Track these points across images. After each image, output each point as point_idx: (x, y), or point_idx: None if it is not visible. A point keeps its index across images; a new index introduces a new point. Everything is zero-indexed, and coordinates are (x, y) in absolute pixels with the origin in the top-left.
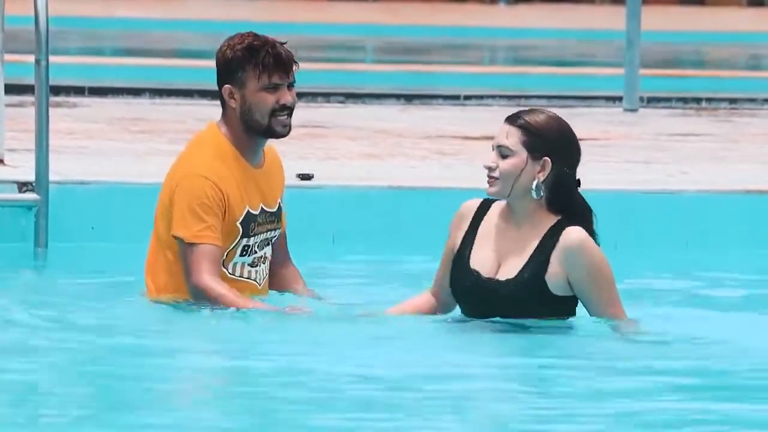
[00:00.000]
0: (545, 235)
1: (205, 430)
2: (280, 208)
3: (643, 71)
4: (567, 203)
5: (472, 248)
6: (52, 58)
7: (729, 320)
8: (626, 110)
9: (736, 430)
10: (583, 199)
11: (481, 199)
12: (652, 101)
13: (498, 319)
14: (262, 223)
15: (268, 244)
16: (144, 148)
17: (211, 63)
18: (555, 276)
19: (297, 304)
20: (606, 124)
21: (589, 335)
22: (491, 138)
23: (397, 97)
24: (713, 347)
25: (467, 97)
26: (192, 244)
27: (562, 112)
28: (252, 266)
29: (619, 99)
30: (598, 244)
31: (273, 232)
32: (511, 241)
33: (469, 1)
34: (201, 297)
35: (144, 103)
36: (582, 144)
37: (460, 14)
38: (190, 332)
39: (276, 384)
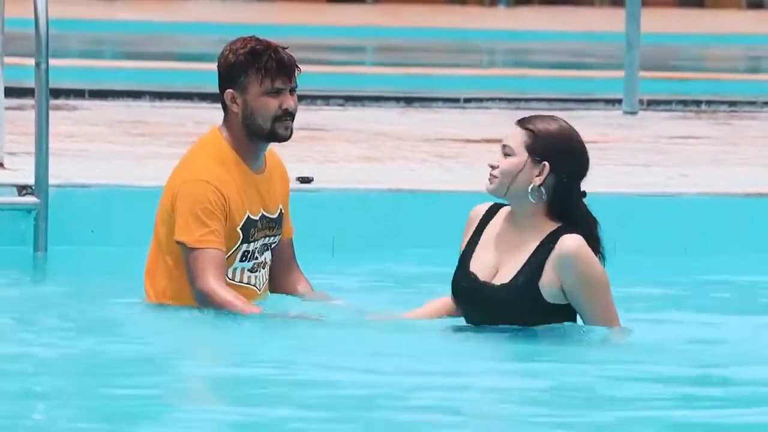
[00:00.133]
0: (543, 241)
1: None
2: (281, 214)
3: (642, 74)
4: (567, 211)
5: (474, 252)
6: (52, 61)
7: (729, 323)
8: (626, 113)
9: None
10: (587, 211)
11: (491, 204)
12: (652, 104)
13: (496, 326)
14: (261, 228)
15: (268, 250)
16: (144, 151)
17: (211, 66)
18: (549, 283)
19: (304, 310)
20: (605, 126)
21: (585, 342)
22: (491, 141)
23: (397, 99)
24: (713, 351)
25: (467, 100)
26: (196, 249)
27: (562, 115)
28: (252, 271)
29: (619, 102)
30: (603, 255)
31: (273, 238)
32: (510, 245)
33: (468, 3)
34: (207, 302)
35: (144, 106)
36: None
37: (460, 17)
38: (191, 338)
39: (277, 390)
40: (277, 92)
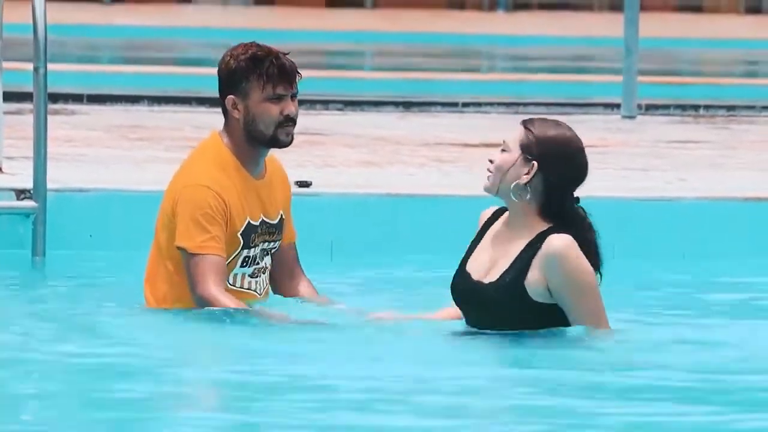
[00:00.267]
0: (531, 240)
1: None
2: (282, 219)
3: (641, 78)
4: (560, 214)
5: (473, 253)
6: (51, 66)
7: (728, 328)
8: (624, 117)
9: None
10: (583, 216)
11: (497, 207)
12: (650, 108)
13: (492, 330)
14: (262, 234)
15: (268, 254)
16: (142, 155)
17: (210, 70)
18: (535, 282)
19: (305, 314)
20: (604, 131)
21: (579, 346)
22: (490, 145)
23: (396, 104)
24: (711, 354)
25: (465, 105)
26: (196, 255)
27: (561, 119)
28: (252, 277)
29: (617, 106)
30: (601, 262)
31: (273, 243)
32: (503, 245)
33: (467, 8)
34: (207, 309)
35: (142, 110)
36: None
37: (459, 21)
38: (191, 343)
39: (275, 394)
40: (278, 98)
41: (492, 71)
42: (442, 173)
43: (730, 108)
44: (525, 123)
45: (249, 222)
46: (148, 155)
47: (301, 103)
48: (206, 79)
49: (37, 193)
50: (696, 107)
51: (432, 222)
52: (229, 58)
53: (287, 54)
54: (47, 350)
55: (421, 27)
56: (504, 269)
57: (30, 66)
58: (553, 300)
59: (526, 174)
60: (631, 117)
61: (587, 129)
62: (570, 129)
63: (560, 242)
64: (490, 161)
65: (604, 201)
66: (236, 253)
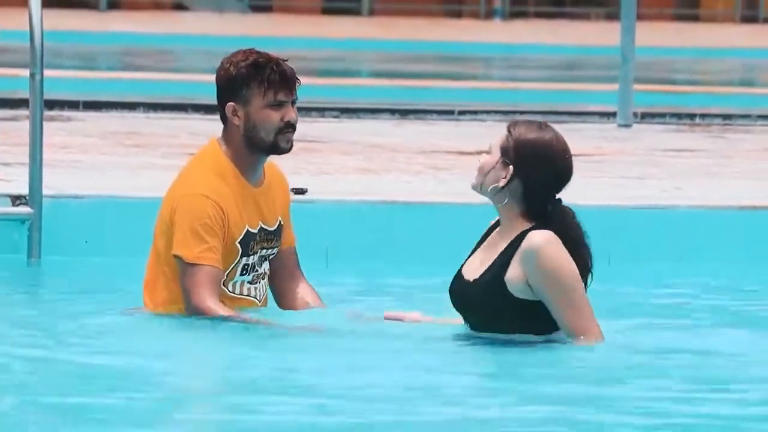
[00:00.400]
0: (513, 239)
1: None
2: (280, 226)
3: (637, 87)
4: (540, 215)
5: (469, 257)
6: (47, 72)
7: (723, 336)
8: (620, 126)
9: None
10: (565, 214)
11: None
12: (646, 117)
13: (485, 332)
14: (260, 241)
15: (266, 260)
16: (138, 162)
17: (205, 77)
18: (515, 278)
19: (302, 321)
20: (600, 139)
21: (572, 353)
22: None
23: (392, 112)
24: (706, 361)
25: (461, 112)
26: (193, 265)
27: (556, 128)
28: (252, 283)
29: (613, 114)
30: (589, 259)
31: (271, 249)
32: (492, 246)
33: (464, 16)
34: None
35: (138, 117)
36: (576, 159)
37: (455, 29)
38: (187, 349)
39: (274, 398)
40: (279, 105)
41: (488, 79)
42: (438, 181)
43: (726, 117)
44: (509, 126)
45: (248, 230)
46: (143, 162)
47: (298, 110)
48: (202, 85)
49: (33, 199)
50: (692, 116)
51: (428, 229)
52: (228, 65)
53: (286, 60)
54: (42, 357)
55: (417, 35)
56: (486, 267)
57: (26, 72)
58: (535, 296)
59: (504, 178)
60: (627, 125)
61: (583, 137)
62: (553, 132)
63: (539, 237)
64: (479, 161)
65: (600, 209)
66: (235, 261)
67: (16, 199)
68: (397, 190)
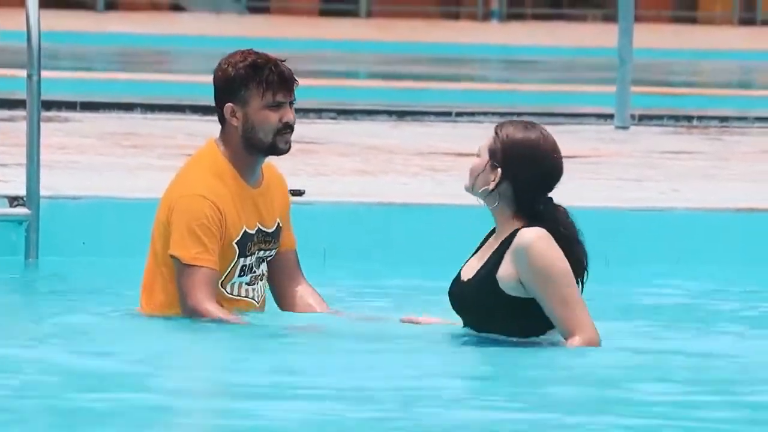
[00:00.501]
0: (506, 237)
1: None
2: (279, 227)
3: (634, 89)
4: (531, 215)
5: (469, 260)
6: (44, 73)
7: (720, 338)
8: (617, 128)
9: None
10: (558, 212)
11: None
12: (644, 119)
13: (481, 332)
14: (258, 242)
15: (264, 262)
16: (135, 162)
17: (203, 78)
18: (507, 276)
19: (299, 322)
20: (597, 141)
21: (568, 356)
22: None
23: (389, 113)
24: (704, 363)
25: (459, 114)
26: (190, 266)
27: (553, 130)
28: (249, 285)
29: (611, 116)
30: (585, 256)
31: (269, 251)
32: (488, 247)
33: (461, 17)
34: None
35: (135, 117)
36: (573, 161)
37: (453, 31)
38: (184, 351)
39: (273, 399)
40: (277, 105)
41: (485, 81)
42: (436, 182)
43: (723, 119)
44: (496, 127)
45: (245, 231)
46: (141, 162)
47: (295, 111)
48: (199, 86)
49: (30, 200)
50: (689, 118)
51: (425, 231)
52: (226, 65)
53: (284, 61)
54: (39, 358)
55: (415, 36)
56: (479, 266)
57: (23, 73)
58: (527, 294)
59: (493, 180)
60: (625, 127)
61: (580, 139)
62: (539, 131)
63: (530, 234)
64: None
65: (597, 211)
66: (233, 262)
67: (14, 200)
68: (394, 192)
